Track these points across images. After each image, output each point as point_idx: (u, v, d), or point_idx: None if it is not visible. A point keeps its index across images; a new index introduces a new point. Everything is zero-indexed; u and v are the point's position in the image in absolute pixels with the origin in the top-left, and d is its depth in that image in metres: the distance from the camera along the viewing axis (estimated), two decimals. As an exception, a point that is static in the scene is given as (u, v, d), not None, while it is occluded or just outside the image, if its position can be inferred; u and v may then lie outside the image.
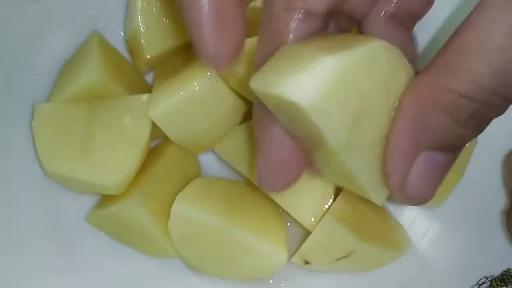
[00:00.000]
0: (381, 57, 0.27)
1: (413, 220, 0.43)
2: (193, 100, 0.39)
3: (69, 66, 0.43)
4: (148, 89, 0.43)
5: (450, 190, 0.40)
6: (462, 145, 0.28)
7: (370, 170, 0.29)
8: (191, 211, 0.39)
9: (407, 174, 0.28)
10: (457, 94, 0.26)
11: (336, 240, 0.39)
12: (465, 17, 0.26)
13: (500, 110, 0.27)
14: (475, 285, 0.39)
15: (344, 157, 0.28)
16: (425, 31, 0.41)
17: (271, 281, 0.42)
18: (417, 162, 0.28)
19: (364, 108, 0.27)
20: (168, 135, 0.41)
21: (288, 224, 0.43)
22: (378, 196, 0.30)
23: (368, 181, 0.29)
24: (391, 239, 0.41)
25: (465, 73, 0.25)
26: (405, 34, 0.36)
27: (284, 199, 0.41)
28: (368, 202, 0.42)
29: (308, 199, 0.40)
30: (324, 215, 0.39)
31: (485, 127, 0.28)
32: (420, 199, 0.29)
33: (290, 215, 0.41)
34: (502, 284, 0.37)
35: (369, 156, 0.28)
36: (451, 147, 0.28)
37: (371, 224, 0.40)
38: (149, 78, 0.46)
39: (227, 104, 0.40)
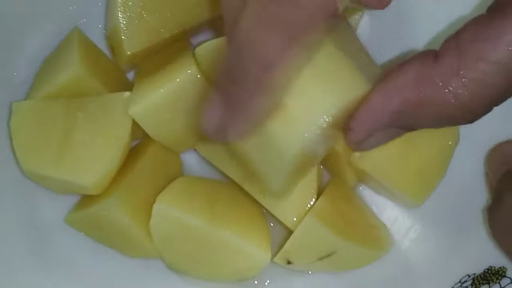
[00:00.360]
0: None
1: (395, 219, 0.43)
2: (175, 98, 0.39)
3: (48, 63, 0.42)
4: (129, 87, 0.43)
5: (433, 189, 0.40)
6: (422, 127, 0.30)
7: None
8: (173, 211, 0.39)
9: (369, 138, 0.31)
10: (453, 96, 0.27)
11: (318, 240, 0.39)
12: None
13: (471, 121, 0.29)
14: (457, 283, 0.39)
15: None
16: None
17: (256, 282, 0.42)
18: (383, 133, 0.30)
19: None
20: (149, 133, 0.40)
21: (272, 224, 0.43)
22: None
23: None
24: (374, 238, 0.41)
25: (471, 81, 0.26)
26: None
27: (267, 198, 0.40)
28: (350, 201, 0.42)
29: (290, 198, 0.40)
30: (306, 214, 0.39)
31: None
32: (363, 151, 0.33)
33: (272, 215, 0.41)
34: (484, 282, 0.38)
35: None
36: (414, 129, 0.30)
37: (353, 223, 0.40)
38: (130, 76, 0.45)
39: (209, 102, 0.40)
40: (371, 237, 0.41)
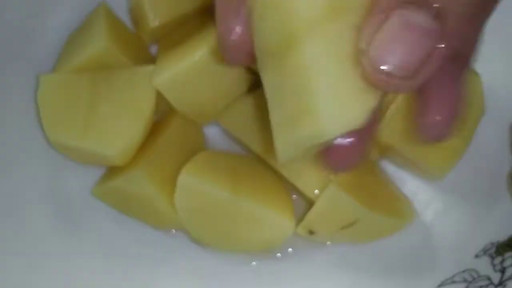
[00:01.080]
0: None
1: (417, 190, 0.43)
2: (199, 69, 0.39)
3: (75, 37, 0.43)
4: (153, 60, 0.43)
5: (457, 160, 0.40)
6: (446, 3, 0.22)
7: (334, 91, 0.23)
8: (197, 183, 0.39)
9: (376, 33, 0.22)
10: None
11: (341, 208, 0.39)
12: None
13: None
14: (480, 251, 0.39)
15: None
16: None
17: (278, 254, 0.42)
18: (388, 20, 0.22)
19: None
20: (173, 103, 0.41)
21: (294, 196, 0.43)
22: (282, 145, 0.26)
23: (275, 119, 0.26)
24: (396, 209, 0.41)
25: None
26: None
27: (289, 170, 0.41)
28: (372, 173, 0.42)
29: (313, 170, 0.40)
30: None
31: None
32: (387, 67, 0.22)
33: (294, 188, 0.41)
34: (508, 249, 0.37)
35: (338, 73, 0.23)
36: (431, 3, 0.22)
37: (375, 193, 0.40)
38: (153, 50, 0.46)
39: (232, 74, 0.41)
40: (393, 207, 0.41)
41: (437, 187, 0.43)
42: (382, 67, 0.22)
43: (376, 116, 0.27)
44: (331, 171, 0.29)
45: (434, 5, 0.22)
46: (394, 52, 0.22)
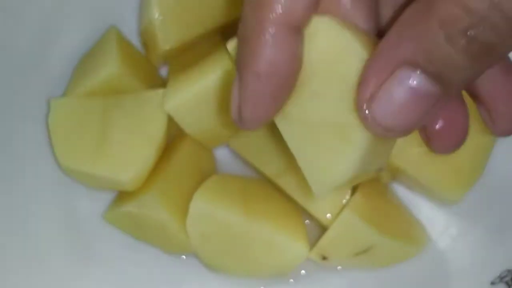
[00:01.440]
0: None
1: (431, 216, 0.42)
2: (209, 92, 0.39)
3: (86, 61, 0.43)
4: (163, 83, 0.43)
5: (472, 185, 0.40)
6: (450, 73, 0.23)
7: (311, 155, 0.27)
8: (210, 209, 0.39)
9: (378, 88, 0.24)
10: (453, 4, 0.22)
11: (355, 234, 0.38)
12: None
13: (499, 35, 0.22)
14: (497, 278, 0.38)
15: (280, 126, 0.28)
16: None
17: (291, 280, 0.42)
18: (392, 77, 0.23)
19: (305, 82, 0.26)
20: (184, 128, 0.41)
21: (306, 221, 0.42)
22: (317, 186, 0.28)
23: (306, 165, 0.28)
24: (410, 235, 0.41)
25: None
26: None
27: (301, 195, 0.40)
28: (385, 197, 0.42)
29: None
30: (341, 210, 0.39)
31: (482, 59, 0.22)
32: (388, 125, 0.24)
33: (306, 211, 0.41)
34: (525, 276, 0.37)
35: (312, 140, 0.27)
36: (436, 71, 0.23)
37: (389, 218, 0.40)
38: (162, 72, 0.46)
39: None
40: (407, 233, 0.41)
41: (451, 212, 0.42)
42: (382, 123, 0.24)
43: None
44: (442, 153, 0.30)
45: (435, 66, 0.23)
46: (395, 114, 0.24)
